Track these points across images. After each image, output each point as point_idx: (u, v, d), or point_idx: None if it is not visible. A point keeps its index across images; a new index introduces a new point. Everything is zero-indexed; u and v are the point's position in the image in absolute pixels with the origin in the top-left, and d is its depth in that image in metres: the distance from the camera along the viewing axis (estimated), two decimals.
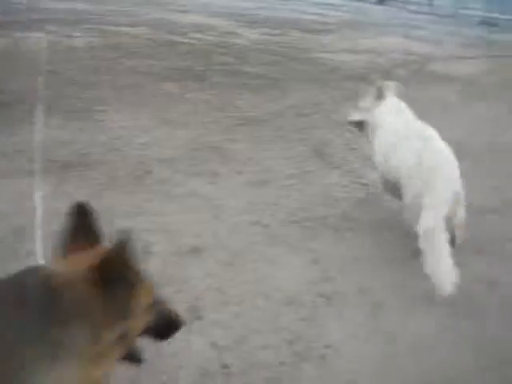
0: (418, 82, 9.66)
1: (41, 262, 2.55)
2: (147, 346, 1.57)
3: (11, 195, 3.61)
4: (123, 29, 10.96)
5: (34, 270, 1.35)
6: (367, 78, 9.08)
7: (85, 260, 1.36)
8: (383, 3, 41.96)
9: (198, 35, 11.53)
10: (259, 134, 5.41)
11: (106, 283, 1.32)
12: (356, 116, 4.00)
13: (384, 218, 3.86)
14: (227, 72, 8.13)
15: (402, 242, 3.34)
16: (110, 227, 3.07)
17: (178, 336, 1.61)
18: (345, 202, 4.07)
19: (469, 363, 2.43)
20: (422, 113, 7.13)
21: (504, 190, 4.44)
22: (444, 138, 3.39)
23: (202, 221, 3.51)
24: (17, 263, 1.56)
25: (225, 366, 2.30)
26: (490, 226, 3.75)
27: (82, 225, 1.54)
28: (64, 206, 1.42)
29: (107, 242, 1.42)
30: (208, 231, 3.38)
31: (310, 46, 12.14)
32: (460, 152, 3.38)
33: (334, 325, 2.63)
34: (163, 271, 2.87)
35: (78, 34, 9.72)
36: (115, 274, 1.34)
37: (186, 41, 10.41)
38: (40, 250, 2.82)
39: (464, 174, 3.16)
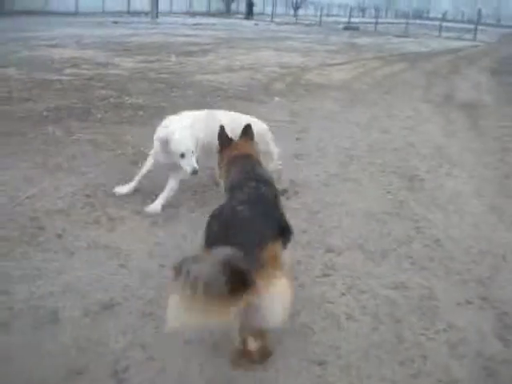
0: (296, 93, 9.98)
1: None
2: None
3: None
4: None
5: None
6: (248, 96, 9.27)
7: None
8: (250, 18, 43.15)
9: (74, 70, 11.17)
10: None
11: None
12: None
13: None
14: (110, 106, 7.92)
15: None
16: (6, 296, 2.88)
17: None
18: None
19: None
20: (308, 124, 7.39)
21: None
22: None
23: (109, 273, 3.33)
24: None
25: None
26: None
27: None
28: None
29: None
30: (118, 283, 3.21)
31: (188, 70, 12.18)
32: None
33: None
34: (77, 337, 2.69)
35: None
36: None
37: (61, 78, 10.02)
38: None
39: None
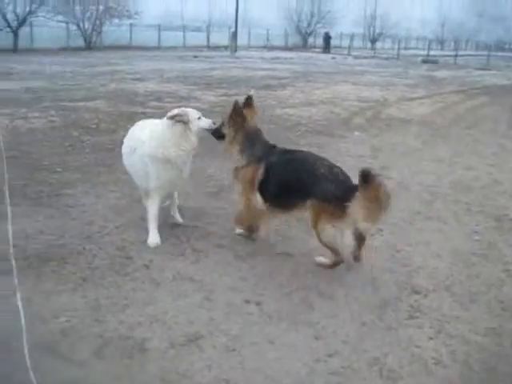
0: (377, 128, 9.87)
1: None
2: None
3: None
4: (80, 104, 10.91)
5: None
6: (328, 131, 9.27)
7: None
8: (327, 51, 43.37)
9: (157, 103, 11.57)
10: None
11: None
12: None
13: (374, 278, 3.81)
14: None
15: None
16: (98, 324, 2.96)
17: None
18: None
19: None
20: (389, 160, 7.27)
21: None
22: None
23: (194, 305, 3.36)
24: None
25: None
26: None
27: None
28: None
29: None
30: (203, 316, 3.24)
31: (268, 103, 12.31)
32: None
33: None
34: (163, 368, 2.72)
35: (36, 115, 9.60)
36: None
37: (145, 110, 10.40)
38: None
39: None
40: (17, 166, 6.10)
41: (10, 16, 32.77)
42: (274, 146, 4.32)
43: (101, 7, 35.81)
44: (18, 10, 33.00)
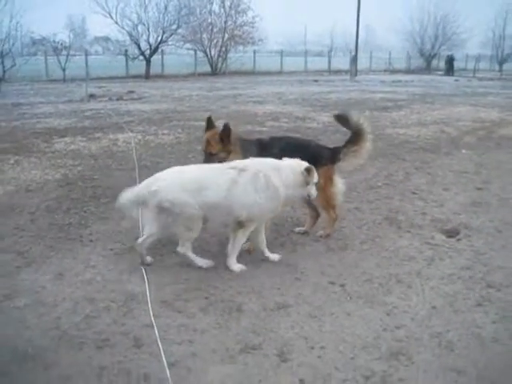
0: (485, 147, 9.95)
1: None
2: None
3: None
4: (204, 123, 11.95)
5: None
6: (436, 148, 9.53)
7: None
8: (451, 74, 42.44)
9: (274, 123, 12.40)
10: None
11: None
12: None
13: (452, 273, 4.23)
14: None
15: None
16: (205, 288, 3.66)
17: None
18: (415, 261, 4.47)
19: None
20: (492, 175, 7.45)
21: None
22: None
23: (285, 284, 3.99)
24: None
25: None
26: None
27: None
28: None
29: None
30: (293, 291, 3.86)
31: (380, 124, 12.68)
32: None
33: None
34: (254, 324, 3.37)
35: (165, 132, 10.76)
36: None
37: (262, 129, 11.24)
38: None
39: None
40: (147, 173, 7.07)
41: (144, 45, 35.62)
42: (258, 139, 5.07)
43: (226, 35, 37.86)
44: (151, 40, 35.76)
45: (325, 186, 4.84)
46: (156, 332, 3.21)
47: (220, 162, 4.47)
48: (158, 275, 4.10)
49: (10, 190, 6.42)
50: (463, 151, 9.56)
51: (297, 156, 4.37)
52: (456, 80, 36.35)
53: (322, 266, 4.34)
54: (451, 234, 5.26)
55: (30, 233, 4.99)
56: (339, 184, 5.01)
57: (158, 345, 3.08)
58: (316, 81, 30.53)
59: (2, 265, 4.32)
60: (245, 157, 4.47)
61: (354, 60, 35.74)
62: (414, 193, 6.58)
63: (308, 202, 4.93)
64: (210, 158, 4.60)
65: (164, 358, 2.95)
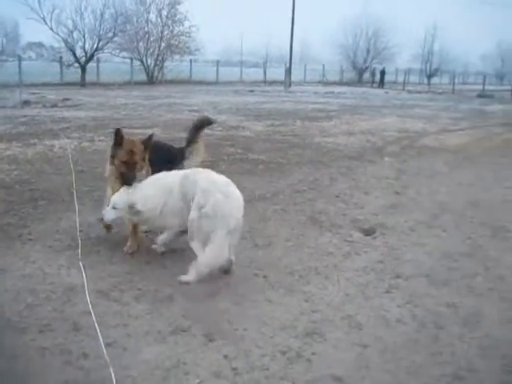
0: (407, 155, 10.65)
1: None
2: None
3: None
4: (139, 131, 12.18)
5: None
6: (360, 156, 10.13)
7: None
8: (381, 86, 44.06)
9: (207, 131, 12.68)
10: (262, 208, 6.32)
11: None
12: None
13: (366, 266, 4.71)
14: (235, 160, 9.20)
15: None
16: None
17: None
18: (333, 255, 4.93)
19: None
20: (411, 181, 8.05)
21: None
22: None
23: (213, 276, 4.34)
24: None
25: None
26: None
27: None
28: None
29: None
30: (219, 282, 4.22)
31: (310, 133, 13.30)
32: None
33: None
34: (184, 310, 3.71)
35: (101, 138, 10.93)
36: None
37: None
38: None
39: None
40: (83, 177, 7.31)
41: (79, 52, 35.34)
42: None
43: (163, 44, 38.05)
44: (87, 47, 35.51)
45: None
46: (93, 317, 3.50)
47: (139, 172, 4.65)
48: (94, 270, 4.37)
49: None
50: (386, 159, 10.21)
51: (161, 157, 5.00)
52: (386, 92, 37.89)
53: (247, 260, 4.72)
54: (368, 232, 5.76)
55: None
56: None
57: (95, 328, 3.37)
58: (251, 91, 31.15)
59: None
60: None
61: (288, 71, 36.68)
62: (337, 196, 7.08)
63: None
64: (134, 169, 4.62)
65: (101, 339, 3.24)
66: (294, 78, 40.07)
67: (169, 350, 3.24)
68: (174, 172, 4.71)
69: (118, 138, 4.62)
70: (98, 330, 3.33)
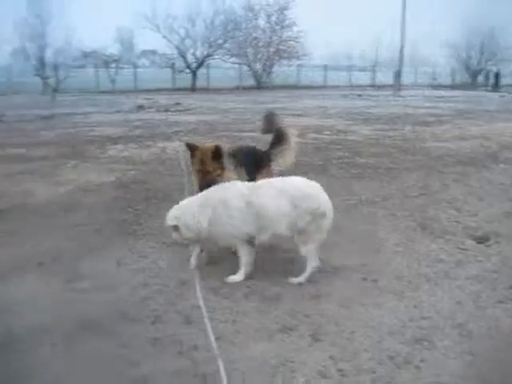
0: None
1: None
2: None
3: None
4: (245, 134, 12.46)
5: None
6: (474, 162, 9.72)
7: None
8: (497, 89, 41.98)
9: (316, 135, 12.78)
10: (371, 212, 6.24)
11: None
12: None
13: (478, 274, 4.52)
14: (343, 164, 9.14)
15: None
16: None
17: None
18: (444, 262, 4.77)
19: None
20: None
21: None
22: None
23: (321, 278, 4.35)
24: None
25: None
26: None
27: None
28: None
29: None
30: (326, 285, 4.22)
31: (420, 137, 12.92)
32: None
33: None
34: (291, 310, 3.75)
35: (210, 141, 11.24)
36: None
37: (304, 141, 11.62)
38: None
39: None
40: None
41: (190, 58, 36.64)
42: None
43: (271, 49, 38.54)
44: (198, 54, 36.74)
45: None
46: (204, 311, 3.63)
47: (214, 179, 4.58)
48: (206, 266, 4.53)
49: (70, 190, 7.04)
50: (501, 165, 9.72)
51: (249, 160, 5.00)
52: (502, 96, 36.04)
53: (355, 264, 4.68)
54: (481, 240, 5.51)
55: (89, 227, 5.52)
56: None
57: (205, 322, 3.49)
58: (359, 95, 30.81)
59: (68, 252, 4.88)
60: (230, 170, 4.73)
61: (398, 75, 35.88)
62: (449, 202, 6.83)
63: None
64: (206, 176, 4.61)
65: (211, 333, 3.35)
66: (403, 81, 39.09)
67: (276, 348, 3.28)
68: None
69: (190, 148, 4.68)
70: (208, 324, 3.44)
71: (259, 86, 37.41)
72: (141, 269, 4.45)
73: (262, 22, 39.28)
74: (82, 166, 8.61)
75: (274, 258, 4.81)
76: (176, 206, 4.35)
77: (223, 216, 4.20)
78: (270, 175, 5.25)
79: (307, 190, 4.32)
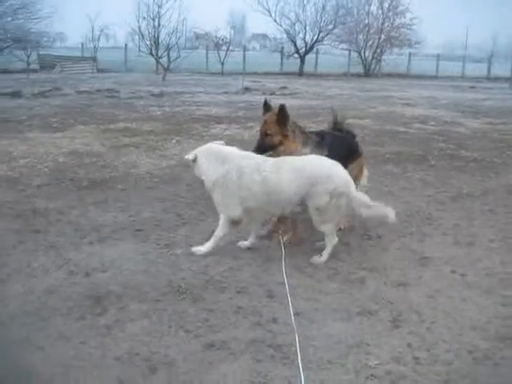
0: None
1: None
2: None
3: None
4: (350, 121, 12.31)
5: None
6: None
7: None
8: None
9: (420, 125, 12.45)
10: (468, 206, 6.06)
11: None
12: None
13: None
14: (445, 156, 8.87)
15: None
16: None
17: None
18: None
19: None
20: None
21: None
22: None
23: (409, 267, 4.31)
24: None
25: None
26: None
27: None
28: None
29: None
30: (413, 274, 4.18)
31: None
32: None
33: None
34: (374, 294, 3.76)
35: (312, 126, 11.27)
36: None
37: (408, 130, 11.39)
38: None
39: None
40: None
41: (299, 43, 36.64)
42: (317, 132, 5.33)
43: (383, 36, 37.64)
44: (307, 38, 36.67)
45: (359, 176, 5.11)
46: (287, 287, 3.74)
47: (274, 145, 4.60)
48: (292, 246, 4.61)
49: (171, 164, 7.37)
50: None
51: (339, 146, 4.87)
52: None
53: (446, 256, 4.59)
54: None
55: (186, 200, 5.79)
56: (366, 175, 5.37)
57: (287, 297, 3.59)
58: (472, 87, 29.44)
59: (165, 222, 5.17)
60: (300, 145, 4.65)
61: None
62: None
63: None
64: (265, 138, 4.66)
65: (291, 308, 3.45)
66: None
67: (353, 329, 3.32)
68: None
69: (265, 107, 4.83)
70: (289, 300, 3.54)
71: (368, 74, 36.66)
72: (231, 241, 4.60)
73: (374, 9, 38.40)
74: (186, 142, 8.93)
75: (362, 244, 4.82)
76: (206, 146, 4.54)
77: (231, 183, 4.27)
78: (360, 169, 5.20)
79: (325, 170, 4.24)
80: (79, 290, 3.70)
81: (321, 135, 5.00)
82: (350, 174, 4.51)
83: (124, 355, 2.98)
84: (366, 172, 5.38)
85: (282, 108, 4.67)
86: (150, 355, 2.98)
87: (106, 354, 2.98)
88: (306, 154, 4.55)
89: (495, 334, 3.36)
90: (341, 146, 4.98)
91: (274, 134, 4.63)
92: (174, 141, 9.03)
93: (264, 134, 4.69)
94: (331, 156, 4.46)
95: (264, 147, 4.64)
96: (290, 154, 4.51)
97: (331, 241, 4.36)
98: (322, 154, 4.53)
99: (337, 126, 5.42)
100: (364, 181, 5.30)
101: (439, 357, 3.09)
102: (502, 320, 3.55)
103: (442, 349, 3.17)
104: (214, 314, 3.43)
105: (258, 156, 4.44)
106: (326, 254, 4.34)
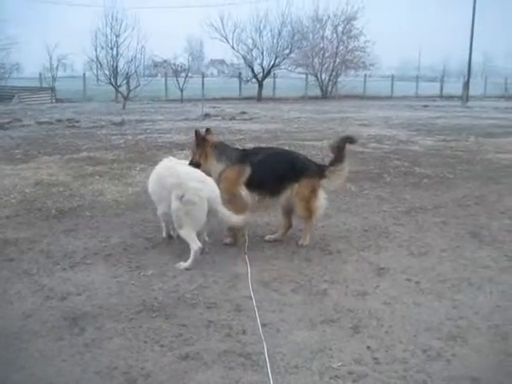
0: None
1: None
2: None
3: None
4: (308, 143, 12.74)
5: None
6: None
7: None
8: None
9: (376, 145, 12.93)
10: (422, 219, 6.42)
11: None
12: None
13: None
14: (400, 173, 9.29)
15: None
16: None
17: None
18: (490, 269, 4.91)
19: None
20: None
21: None
22: None
23: (367, 278, 4.61)
24: None
25: None
26: None
27: None
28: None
29: None
30: (371, 284, 4.47)
31: (483, 149, 12.82)
32: None
33: None
34: (335, 304, 4.02)
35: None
36: None
37: (364, 150, 11.82)
38: None
39: None
40: None
41: (257, 68, 37.34)
42: (244, 149, 5.85)
43: (338, 60, 38.64)
44: (264, 63, 37.39)
45: (309, 198, 5.36)
46: (253, 301, 4.00)
47: (197, 161, 5.40)
48: (258, 262, 4.89)
49: (137, 191, 7.56)
50: None
51: (279, 167, 5.34)
52: None
53: (401, 266, 4.91)
54: None
55: (153, 224, 5.97)
56: (322, 198, 5.45)
57: (254, 310, 3.83)
58: (426, 106, 30.45)
59: (134, 246, 5.38)
60: (218, 162, 5.36)
61: (466, 85, 35.20)
62: (502, 213, 6.87)
63: (285, 211, 5.53)
64: (192, 157, 5.53)
65: (258, 320, 3.70)
66: (473, 92, 38.21)
67: (317, 336, 3.58)
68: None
69: (196, 136, 5.50)
70: (256, 312, 3.79)
71: (325, 96, 37.55)
72: (200, 261, 4.82)
73: (328, 33, 39.45)
74: (150, 169, 9.08)
75: (323, 258, 5.10)
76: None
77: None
78: (312, 188, 5.38)
79: (180, 177, 4.86)
80: (56, 313, 3.87)
81: (255, 153, 5.52)
82: (297, 193, 5.25)
83: (103, 370, 3.16)
84: (321, 193, 5.44)
85: (196, 133, 5.54)
86: (128, 368, 3.17)
87: (87, 370, 3.16)
88: (220, 169, 5.31)
89: (447, 334, 3.66)
90: (279, 163, 5.41)
91: (195, 153, 5.49)
92: (137, 168, 9.23)
93: (192, 155, 5.57)
94: (261, 173, 5.22)
95: (192, 163, 5.42)
96: (208, 169, 5.32)
97: (193, 247, 4.73)
98: (242, 169, 5.26)
99: None
100: (320, 202, 5.41)
101: (396, 356, 3.36)
102: (454, 321, 3.86)
103: (399, 349, 3.45)
104: (186, 328, 3.65)
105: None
106: (189, 260, 4.72)
